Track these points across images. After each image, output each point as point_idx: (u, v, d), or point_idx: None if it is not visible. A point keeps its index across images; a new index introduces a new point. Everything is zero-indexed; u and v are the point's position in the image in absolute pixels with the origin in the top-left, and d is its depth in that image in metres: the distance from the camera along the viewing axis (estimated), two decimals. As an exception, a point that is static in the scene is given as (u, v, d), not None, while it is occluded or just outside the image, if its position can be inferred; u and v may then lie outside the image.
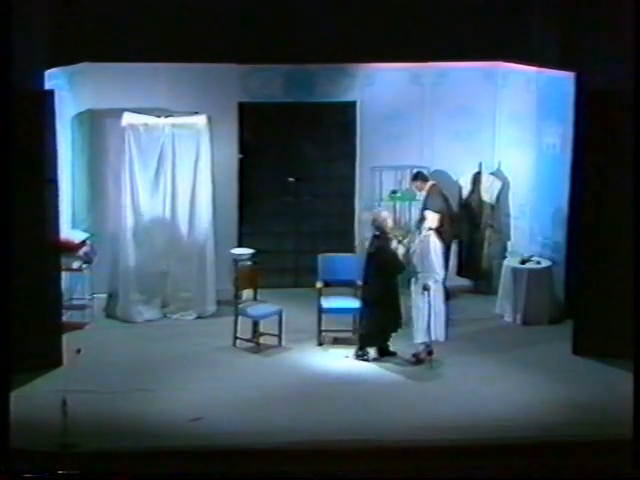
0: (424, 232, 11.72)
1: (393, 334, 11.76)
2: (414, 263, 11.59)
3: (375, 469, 9.15)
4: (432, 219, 11.95)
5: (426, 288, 11.40)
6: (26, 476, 8.61)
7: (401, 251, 11.65)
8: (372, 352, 11.76)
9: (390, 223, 11.86)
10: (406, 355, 11.68)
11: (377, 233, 11.75)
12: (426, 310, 11.41)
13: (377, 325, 11.71)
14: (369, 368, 11.55)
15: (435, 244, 11.62)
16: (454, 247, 13.99)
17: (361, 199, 14.31)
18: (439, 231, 11.93)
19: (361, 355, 11.76)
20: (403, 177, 14.16)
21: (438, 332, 11.52)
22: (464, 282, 14.24)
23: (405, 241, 11.75)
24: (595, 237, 11.55)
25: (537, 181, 13.58)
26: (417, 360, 11.59)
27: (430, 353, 11.48)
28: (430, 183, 13.52)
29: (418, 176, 13.62)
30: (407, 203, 14.04)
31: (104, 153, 13.62)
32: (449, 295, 12.43)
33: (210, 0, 13.09)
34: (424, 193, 13.47)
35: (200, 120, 13.11)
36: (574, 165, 12.62)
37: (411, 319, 11.65)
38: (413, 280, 11.60)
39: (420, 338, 11.54)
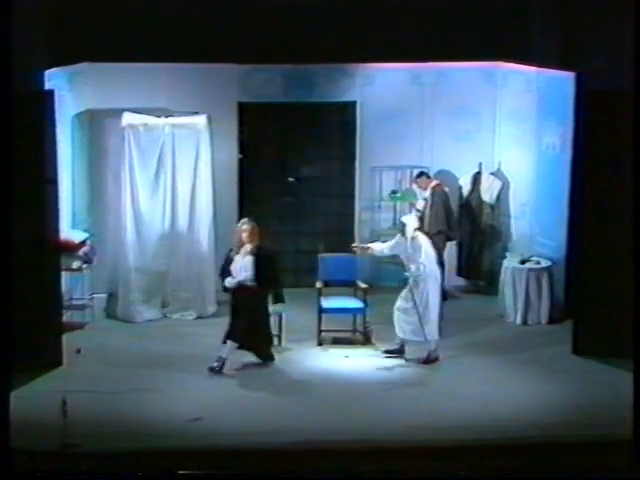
0: (410, 234, 11.53)
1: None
2: (406, 264, 11.58)
3: (375, 469, 9.14)
4: (412, 222, 11.72)
5: (411, 289, 11.45)
6: (26, 476, 8.61)
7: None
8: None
9: None
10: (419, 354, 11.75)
11: None
12: (413, 310, 11.46)
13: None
14: (369, 368, 11.55)
15: (425, 240, 11.54)
16: (454, 247, 14.04)
17: (361, 199, 14.32)
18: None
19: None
20: (403, 177, 14.19)
21: (432, 330, 11.52)
22: (464, 282, 14.30)
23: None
24: (595, 237, 11.55)
25: (537, 181, 13.58)
26: (426, 361, 11.64)
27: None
28: (434, 182, 13.62)
29: (422, 174, 13.70)
30: (407, 203, 14.04)
31: (104, 153, 13.64)
32: (446, 295, 12.65)
33: (210, 0, 13.10)
34: (428, 192, 13.65)
35: (200, 120, 13.12)
36: (574, 165, 12.62)
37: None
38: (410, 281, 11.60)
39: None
